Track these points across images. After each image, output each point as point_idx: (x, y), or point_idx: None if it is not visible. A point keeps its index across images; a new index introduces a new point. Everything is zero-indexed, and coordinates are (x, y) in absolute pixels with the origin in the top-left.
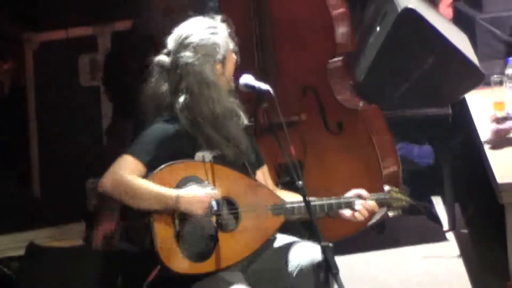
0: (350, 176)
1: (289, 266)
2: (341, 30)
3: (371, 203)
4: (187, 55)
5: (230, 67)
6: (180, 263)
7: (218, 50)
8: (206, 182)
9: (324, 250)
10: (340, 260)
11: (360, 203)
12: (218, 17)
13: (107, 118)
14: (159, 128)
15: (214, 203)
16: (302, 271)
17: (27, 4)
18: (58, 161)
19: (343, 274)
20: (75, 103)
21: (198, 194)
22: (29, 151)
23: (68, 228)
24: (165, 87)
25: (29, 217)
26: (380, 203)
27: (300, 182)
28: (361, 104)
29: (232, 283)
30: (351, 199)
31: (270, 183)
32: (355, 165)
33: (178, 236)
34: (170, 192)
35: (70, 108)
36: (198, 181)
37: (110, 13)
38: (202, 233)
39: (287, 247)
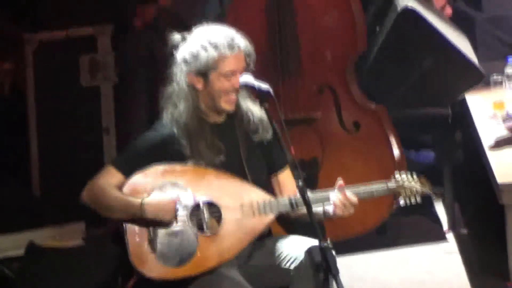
0: (364, 176)
1: (286, 261)
2: (361, 30)
3: (350, 197)
4: (176, 57)
5: (220, 84)
6: (156, 269)
7: (195, 62)
8: (180, 186)
9: (323, 250)
10: (340, 260)
11: (337, 197)
12: (235, 36)
13: (107, 118)
14: (145, 138)
15: (179, 207)
16: (299, 266)
17: (27, 4)
18: (58, 161)
19: (343, 274)
20: (75, 103)
21: (162, 200)
22: (29, 151)
23: (68, 228)
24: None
25: (29, 217)
26: (385, 192)
27: (300, 182)
28: (373, 106)
29: (228, 278)
30: (326, 192)
31: (287, 187)
32: (370, 166)
33: (153, 242)
34: (135, 200)
35: (70, 108)
36: (174, 186)
37: (110, 13)
38: (179, 238)
39: (282, 243)
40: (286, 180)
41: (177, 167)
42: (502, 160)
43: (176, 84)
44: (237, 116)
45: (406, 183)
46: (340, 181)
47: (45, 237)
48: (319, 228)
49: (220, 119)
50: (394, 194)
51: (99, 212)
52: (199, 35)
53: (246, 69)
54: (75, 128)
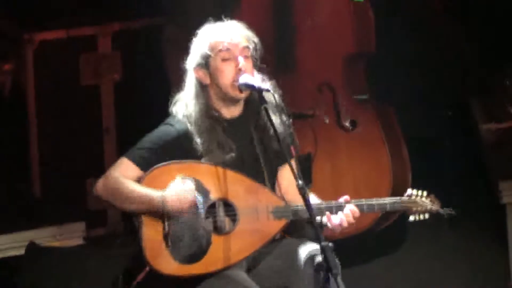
0: (359, 175)
1: (293, 267)
2: (362, 29)
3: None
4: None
5: (221, 69)
6: (168, 265)
7: (196, 54)
8: (199, 183)
9: (324, 249)
10: (340, 260)
11: (349, 209)
12: (227, 21)
13: (108, 118)
14: (161, 132)
15: (199, 197)
16: (304, 271)
17: (28, 4)
18: (58, 161)
19: (343, 274)
20: (75, 103)
21: (182, 189)
22: (29, 151)
23: (68, 227)
24: None
25: (29, 216)
26: (395, 208)
27: (300, 182)
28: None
29: (235, 280)
30: (341, 203)
31: (285, 184)
32: (365, 164)
33: (167, 238)
34: (156, 193)
35: (70, 107)
36: (193, 181)
37: (111, 13)
38: (193, 235)
39: (292, 249)
40: (285, 176)
41: (195, 164)
42: (502, 160)
43: (186, 86)
44: (253, 108)
45: (418, 199)
46: (346, 197)
47: (45, 237)
48: (319, 228)
49: (235, 112)
50: (405, 210)
51: (115, 204)
52: (199, 33)
53: (254, 63)
54: (75, 128)
